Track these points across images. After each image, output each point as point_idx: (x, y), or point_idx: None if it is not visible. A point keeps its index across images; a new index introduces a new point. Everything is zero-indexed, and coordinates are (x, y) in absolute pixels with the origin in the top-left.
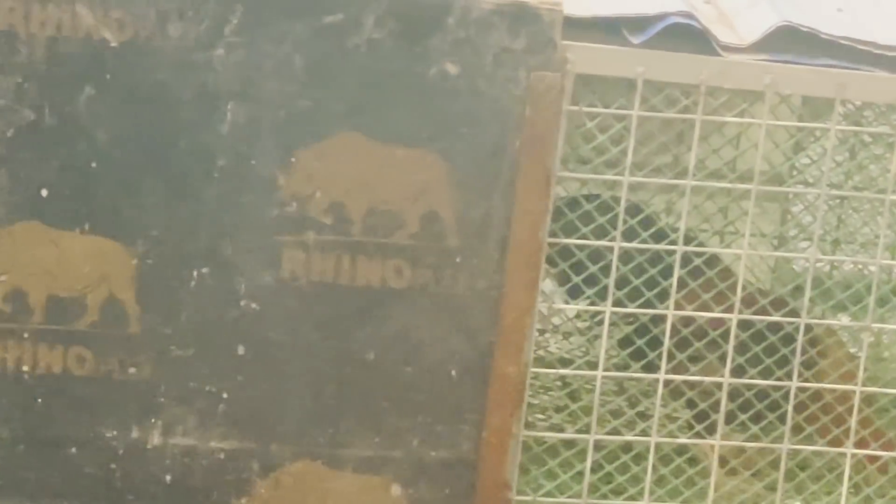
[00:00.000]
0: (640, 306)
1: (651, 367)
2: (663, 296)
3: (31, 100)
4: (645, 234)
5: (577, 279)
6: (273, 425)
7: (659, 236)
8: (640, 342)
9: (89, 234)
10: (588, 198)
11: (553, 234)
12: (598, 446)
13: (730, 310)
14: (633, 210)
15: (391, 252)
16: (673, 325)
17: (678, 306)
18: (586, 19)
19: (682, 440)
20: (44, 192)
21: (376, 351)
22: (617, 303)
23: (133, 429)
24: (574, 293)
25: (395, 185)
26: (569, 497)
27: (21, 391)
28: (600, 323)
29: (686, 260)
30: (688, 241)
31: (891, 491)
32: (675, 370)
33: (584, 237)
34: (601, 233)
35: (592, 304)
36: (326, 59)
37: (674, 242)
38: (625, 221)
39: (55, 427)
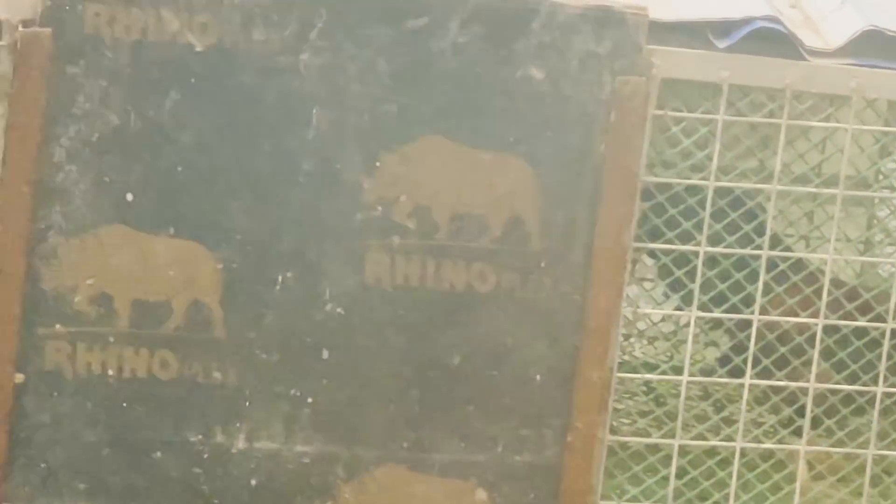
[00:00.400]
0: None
1: (757, 374)
2: (767, 301)
3: (116, 104)
4: (760, 240)
5: (669, 280)
6: (358, 429)
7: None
8: (724, 348)
9: (174, 238)
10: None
11: (652, 232)
12: (683, 451)
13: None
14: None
15: (476, 256)
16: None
17: (778, 312)
18: (672, 23)
19: (768, 445)
20: (129, 197)
21: (461, 355)
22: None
23: (218, 433)
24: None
25: (479, 190)
26: (654, 502)
27: (107, 395)
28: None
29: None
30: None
31: None
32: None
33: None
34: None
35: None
36: (411, 63)
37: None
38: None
39: (140, 431)
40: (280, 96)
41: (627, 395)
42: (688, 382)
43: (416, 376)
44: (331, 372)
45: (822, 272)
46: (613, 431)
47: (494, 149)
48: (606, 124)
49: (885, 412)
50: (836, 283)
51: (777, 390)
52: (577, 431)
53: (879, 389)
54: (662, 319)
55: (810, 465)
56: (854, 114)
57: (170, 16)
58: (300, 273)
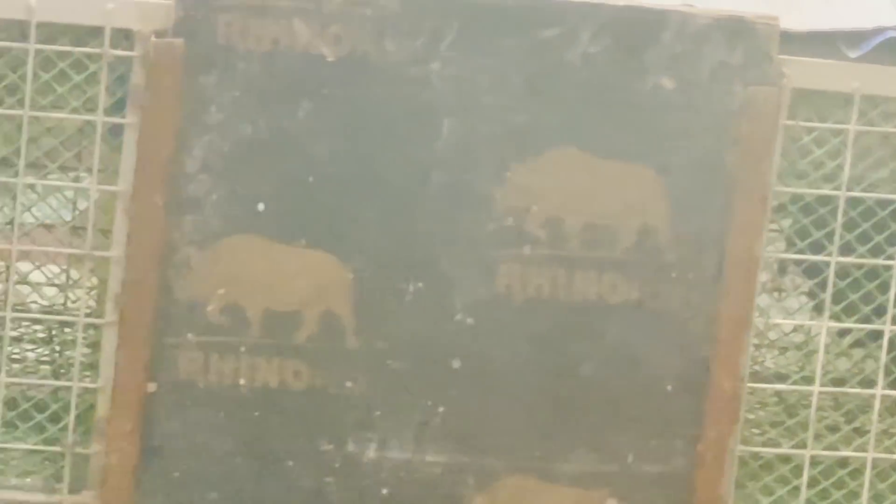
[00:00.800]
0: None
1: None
2: None
3: (248, 114)
4: None
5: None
6: (488, 439)
7: None
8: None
9: (306, 248)
10: None
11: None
12: (815, 461)
13: None
14: None
15: (607, 267)
16: None
17: None
18: (802, 33)
19: None
20: (260, 206)
21: (592, 366)
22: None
23: (349, 442)
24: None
25: (611, 200)
26: None
27: (238, 404)
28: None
29: None
30: None
31: None
32: None
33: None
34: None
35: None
36: (542, 73)
37: None
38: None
39: (272, 440)
40: (411, 107)
41: (758, 406)
42: (819, 392)
43: (547, 386)
44: (461, 382)
45: None
46: (744, 442)
47: (625, 159)
48: (737, 134)
49: None
50: None
51: None
52: (708, 442)
53: None
54: (794, 330)
55: None
56: None
57: (302, 26)
58: (431, 283)
